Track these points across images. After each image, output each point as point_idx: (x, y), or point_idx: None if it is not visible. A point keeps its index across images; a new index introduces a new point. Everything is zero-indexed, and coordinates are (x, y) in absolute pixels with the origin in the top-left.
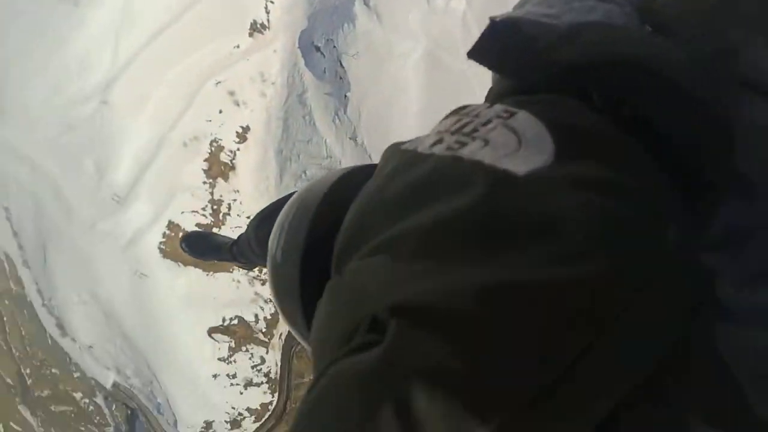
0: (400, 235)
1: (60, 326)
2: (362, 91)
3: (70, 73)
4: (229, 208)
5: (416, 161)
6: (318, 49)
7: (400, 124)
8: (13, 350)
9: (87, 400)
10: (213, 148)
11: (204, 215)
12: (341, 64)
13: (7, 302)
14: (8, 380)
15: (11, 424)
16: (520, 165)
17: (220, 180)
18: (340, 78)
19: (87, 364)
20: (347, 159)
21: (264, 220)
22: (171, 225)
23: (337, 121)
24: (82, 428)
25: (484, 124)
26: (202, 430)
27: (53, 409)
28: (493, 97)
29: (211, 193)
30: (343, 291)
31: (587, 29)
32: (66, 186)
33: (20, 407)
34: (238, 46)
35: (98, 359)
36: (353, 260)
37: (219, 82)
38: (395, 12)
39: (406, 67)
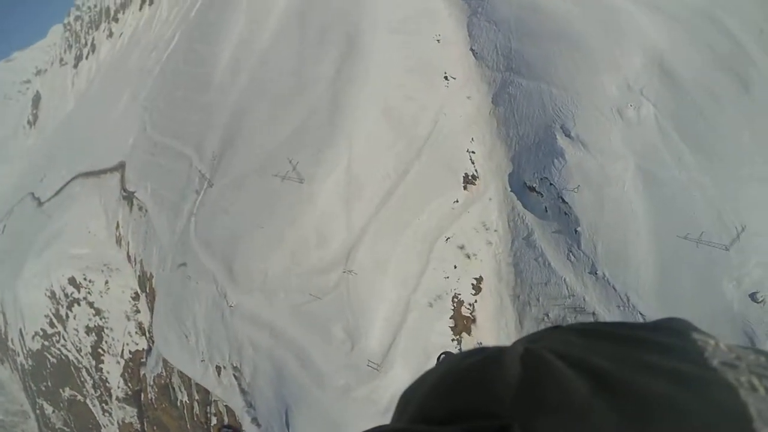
0: None
1: None
2: (592, 222)
3: (309, 245)
4: None
5: None
6: (533, 189)
7: (637, 249)
8: None
9: None
10: (455, 304)
11: None
12: (563, 200)
13: None
14: None
15: None
16: None
17: (464, 335)
18: (566, 214)
19: None
20: (591, 294)
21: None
22: None
23: (572, 257)
24: None
25: None
26: None
27: None
28: None
29: (460, 350)
30: None
31: None
32: (315, 353)
33: None
34: (457, 201)
35: None
36: None
37: (448, 238)
38: (597, 136)
39: (626, 190)
